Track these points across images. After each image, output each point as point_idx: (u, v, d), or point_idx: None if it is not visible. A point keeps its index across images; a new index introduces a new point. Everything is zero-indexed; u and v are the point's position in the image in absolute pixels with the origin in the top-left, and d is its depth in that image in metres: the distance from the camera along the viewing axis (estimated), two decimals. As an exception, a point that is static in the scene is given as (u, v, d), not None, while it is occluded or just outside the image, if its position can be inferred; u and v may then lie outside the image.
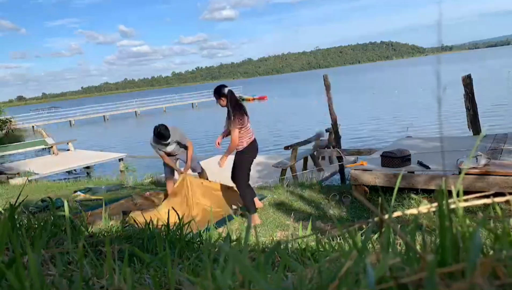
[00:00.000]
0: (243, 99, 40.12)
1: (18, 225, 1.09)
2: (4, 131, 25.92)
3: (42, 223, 1.16)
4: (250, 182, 5.05)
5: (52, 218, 1.23)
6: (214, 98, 4.86)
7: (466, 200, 0.50)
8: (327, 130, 8.95)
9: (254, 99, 41.49)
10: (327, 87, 8.40)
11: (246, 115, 4.78)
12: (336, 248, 1.04)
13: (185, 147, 5.64)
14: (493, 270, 0.38)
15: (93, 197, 6.63)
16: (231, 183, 5.14)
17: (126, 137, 22.77)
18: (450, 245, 0.41)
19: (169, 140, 5.34)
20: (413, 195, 5.14)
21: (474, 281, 0.34)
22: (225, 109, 4.75)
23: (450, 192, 0.48)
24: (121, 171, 12.32)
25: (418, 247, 0.45)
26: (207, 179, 5.83)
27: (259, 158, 9.94)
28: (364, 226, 0.52)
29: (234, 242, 1.11)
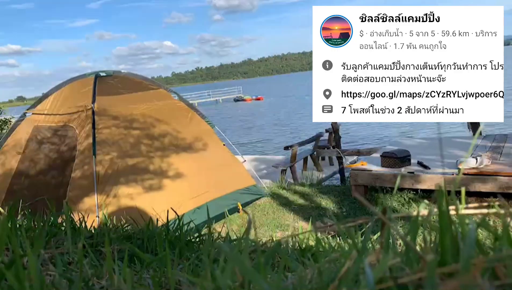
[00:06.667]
0: (243, 99, 40.78)
1: (17, 225, 1.09)
2: (4, 131, 25.87)
3: (42, 223, 1.16)
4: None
5: (52, 218, 1.23)
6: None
7: (467, 202, 0.50)
8: (327, 130, 8.94)
9: (252, 99, 42.17)
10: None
11: None
12: (336, 248, 1.04)
13: None
14: (493, 270, 0.38)
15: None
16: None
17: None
18: (450, 245, 0.41)
19: None
20: (412, 195, 5.14)
21: (468, 279, 0.34)
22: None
23: (450, 192, 0.48)
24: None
25: (418, 247, 0.45)
26: None
27: (259, 158, 9.95)
28: (364, 224, 0.52)
29: (234, 242, 1.11)
